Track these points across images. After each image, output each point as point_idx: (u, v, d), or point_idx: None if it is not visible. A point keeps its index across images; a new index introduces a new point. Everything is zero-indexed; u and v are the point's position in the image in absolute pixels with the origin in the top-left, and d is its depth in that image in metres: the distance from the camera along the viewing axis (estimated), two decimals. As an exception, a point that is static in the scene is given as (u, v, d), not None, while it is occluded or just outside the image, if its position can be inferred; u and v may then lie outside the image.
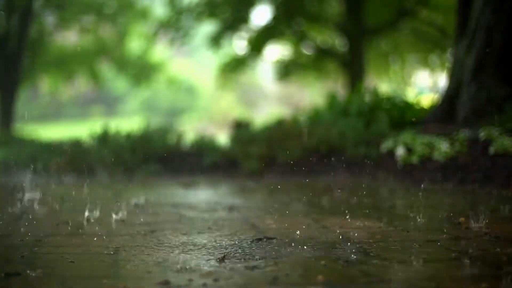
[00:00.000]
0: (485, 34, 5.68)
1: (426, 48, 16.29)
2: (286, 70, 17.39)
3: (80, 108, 34.40)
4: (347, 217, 2.81)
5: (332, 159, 5.67)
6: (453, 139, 5.02)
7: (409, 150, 5.10)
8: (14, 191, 4.26)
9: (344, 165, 5.49)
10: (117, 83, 28.16)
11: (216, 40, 15.71)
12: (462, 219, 2.62)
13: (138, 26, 18.23)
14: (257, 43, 16.21)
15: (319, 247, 2.06)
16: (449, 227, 2.47)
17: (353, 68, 14.59)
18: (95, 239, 2.23)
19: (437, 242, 2.13)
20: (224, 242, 2.18)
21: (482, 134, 4.83)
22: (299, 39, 15.97)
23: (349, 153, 5.62)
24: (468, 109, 5.70)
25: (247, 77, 23.72)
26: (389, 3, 14.81)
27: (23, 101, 21.50)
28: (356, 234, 2.32)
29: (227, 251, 1.98)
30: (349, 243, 2.13)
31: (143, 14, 17.70)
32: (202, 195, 4.24)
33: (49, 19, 17.21)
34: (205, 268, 1.75)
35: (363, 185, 4.67)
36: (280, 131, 6.24)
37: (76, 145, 6.80)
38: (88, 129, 7.01)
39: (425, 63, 17.63)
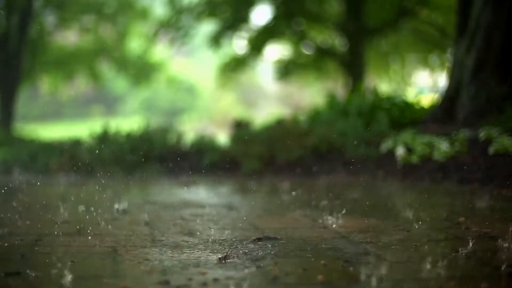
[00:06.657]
0: (485, 34, 5.68)
1: (426, 48, 16.27)
2: (286, 70, 17.38)
3: (80, 108, 34.37)
4: (347, 217, 2.81)
5: (332, 159, 5.67)
6: (453, 139, 5.02)
7: (409, 150, 5.10)
8: (14, 191, 4.27)
9: (344, 165, 5.49)
10: (117, 83, 28.15)
11: (216, 40, 15.69)
12: (462, 219, 2.62)
13: (138, 26, 18.22)
14: (257, 43, 16.19)
15: (319, 247, 2.06)
16: (449, 227, 2.47)
17: (353, 68, 14.58)
18: (95, 239, 2.23)
19: (437, 242, 2.13)
20: (224, 242, 2.18)
21: (482, 134, 4.83)
22: (299, 39, 15.95)
23: (349, 153, 5.62)
24: (468, 109, 5.70)
25: (247, 77, 23.72)
26: (389, 3, 14.80)
27: (23, 101, 21.49)
28: (356, 234, 2.32)
29: (227, 251, 1.99)
30: (349, 243, 2.13)
31: (143, 14, 17.69)
32: (202, 195, 4.24)
33: (49, 19, 17.19)
34: (206, 267, 1.75)
35: (363, 185, 4.67)
36: (280, 131, 6.23)
37: (76, 145, 6.79)
38: (88, 129, 7.00)
39: (425, 63, 17.61)
